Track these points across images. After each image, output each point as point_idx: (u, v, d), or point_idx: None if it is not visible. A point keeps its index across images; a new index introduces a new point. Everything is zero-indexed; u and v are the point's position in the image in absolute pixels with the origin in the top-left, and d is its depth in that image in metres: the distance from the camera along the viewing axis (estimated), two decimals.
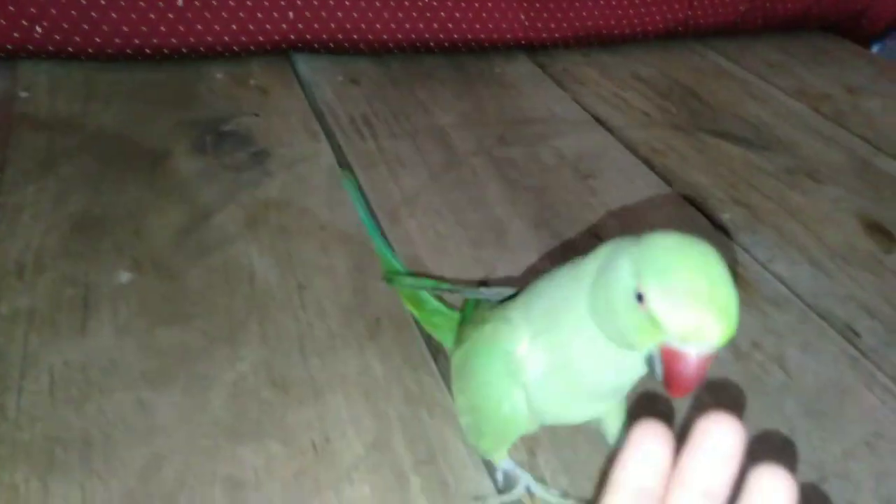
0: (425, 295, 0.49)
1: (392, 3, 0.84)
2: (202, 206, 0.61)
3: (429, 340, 0.50)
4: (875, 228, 0.66)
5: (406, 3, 0.85)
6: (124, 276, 0.53)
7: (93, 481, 0.39)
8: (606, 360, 0.32)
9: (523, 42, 0.92)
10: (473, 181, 0.68)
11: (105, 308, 0.50)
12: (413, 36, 0.87)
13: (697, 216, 0.66)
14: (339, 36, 0.84)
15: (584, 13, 0.93)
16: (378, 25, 0.85)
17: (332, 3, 0.82)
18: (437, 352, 0.50)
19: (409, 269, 0.54)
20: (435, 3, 0.86)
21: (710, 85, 0.91)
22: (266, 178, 0.65)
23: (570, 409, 0.37)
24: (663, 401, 0.46)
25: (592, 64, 0.94)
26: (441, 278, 0.55)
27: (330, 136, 0.73)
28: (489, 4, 0.88)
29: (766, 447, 0.45)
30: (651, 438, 0.25)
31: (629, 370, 0.33)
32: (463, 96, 0.83)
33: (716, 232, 0.65)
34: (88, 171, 0.63)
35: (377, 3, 0.84)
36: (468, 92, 0.84)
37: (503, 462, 0.40)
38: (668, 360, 0.28)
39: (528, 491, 0.40)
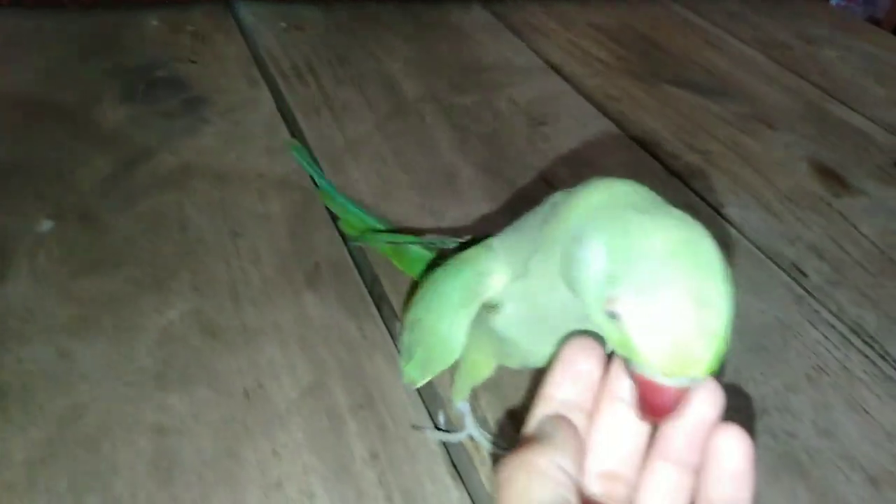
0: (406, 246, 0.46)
1: None
2: (131, 154, 0.57)
3: (372, 286, 0.48)
4: (826, 173, 0.66)
5: None
6: (46, 225, 0.50)
7: (10, 429, 0.37)
8: (580, 316, 0.26)
9: None
10: (422, 128, 0.66)
11: (24, 257, 0.47)
12: None
13: (651, 162, 0.65)
14: None
15: None
16: None
17: None
18: (380, 300, 0.48)
19: (388, 226, 0.50)
20: None
21: (669, 34, 0.90)
22: (201, 125, 0.62)
23: (536, 350, 0.32)
24: None
25: (551, 14, 0.92)
26: (417, 232, 0.52)
27: (270, 82, 0.69)
28: None
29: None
30: (582, 355, 0.24)
31: None
32: (414, 43, 0.80)
33: (670, 178, 0.64)
34: (10, 121, 0.59)
35: None
36: (420, 39, 0.81)
37: (461, 404, 0.39)
38: (640, 386, 0.23)
39: (472, 438, 0.39)
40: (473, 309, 0.30)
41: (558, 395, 0.24)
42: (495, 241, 0.32)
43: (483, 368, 0.36)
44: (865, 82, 0.82)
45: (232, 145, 0.60)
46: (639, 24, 0.91)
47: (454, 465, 0.38)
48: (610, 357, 0.25)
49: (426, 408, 0.41)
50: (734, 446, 0.23)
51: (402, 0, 0.88)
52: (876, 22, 1.32)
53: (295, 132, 0.63)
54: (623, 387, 0.24)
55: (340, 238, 0.52)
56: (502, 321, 0.31)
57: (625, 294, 0.22)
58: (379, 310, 0.47)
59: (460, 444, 0.39)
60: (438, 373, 0.32)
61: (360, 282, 0.49)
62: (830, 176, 0.65)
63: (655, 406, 0.22)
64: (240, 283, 0.47)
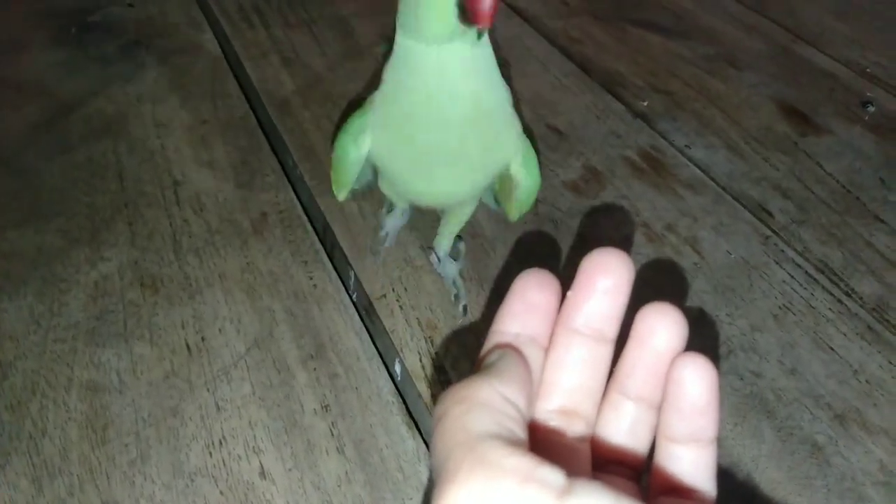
0: None
1: None
2: (63, 101, 0.53)
3: (325, 234, 0.46)
4: (791, 112, 0.64)
5: None
6: None
7: None
8: (441, 119, 0.32)
9: None
10: (375, 72, 0.63)
11: None
12: None
13: (615, 103, 0.63)
14: None
15: None
16: None
17: None
18: (332, 248, 0.46)
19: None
20: None
21: None
22: (140, 70, 0.58)
23: (411, 180, 0.36)
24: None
25: None
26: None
27: (214, 25, 0.65)
28: None
29: None
30: (535, 286, 0.22)
31: (460, 101, 0.32)
32: None
33: (635, 119, 0.62)
34: None
35: None
36: None
37: (388, 220, 0.45)
38: None
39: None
40: (358, 137, 0.35)
41: (511, 328, 0.22)
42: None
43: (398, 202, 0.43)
44: (831, 22, 0.80)
45: (173, 91, 0.56)
46: None
47: (410, 414, 0.36)
48: (565, 292, 0.23)
49: (380, 356, 0.39)
50: (697, 377, 0.21)
51: None
52: None
53: (240, 77, 0.60)
54: (580, 318, 0.22)
55: (289, 185, 0.49)
56: (373, 151, 0.35)
57: None
58: (331, 258, 0.44)
59: (416, 393, 0.38)
60: (346, 188, 0.37)
61: (311, 230, 0.46)
62: (796, 115, 0.64)
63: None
64: (181, 234, 0.44)
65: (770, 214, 0.53)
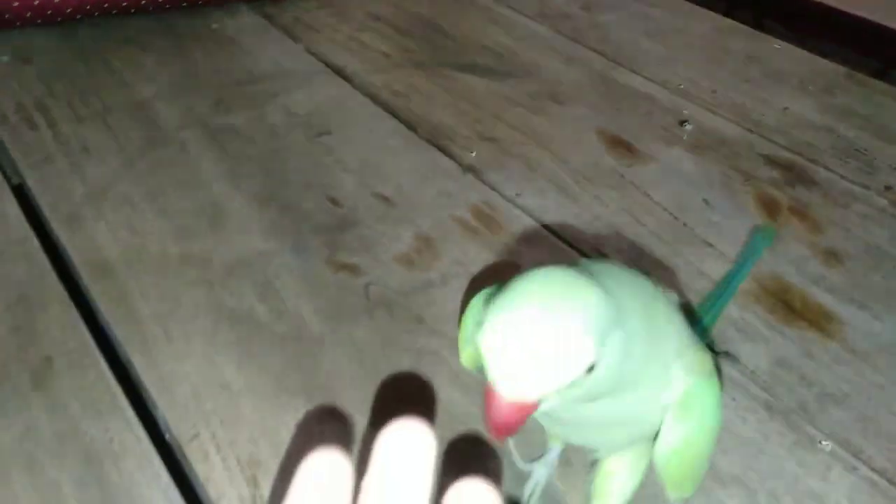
0: None
1: None
2: None
3: (126, 370, 0.40)
4: (616, 143, 0.65)
5: None
6: None
7: None
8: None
9: None
10: (183, 160, 0.58)
11: None
12: None
13: (443, 159, 0.61)
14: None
15: None
16: None
17: None
18: (138, 384, 0.40)
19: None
20: None
21: (452, 16, 0.86)
22: None
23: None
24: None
25: (326, 8, 0.85)
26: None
27: None
28: None
29: None
30: (323, 475, 0.19)
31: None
32: (171, 61, 0.71)
33: (465, 175, 0.60)
34: None
35: None
36: (178, 55, 0.72)
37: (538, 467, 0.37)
38: (486, 399, 0.24)
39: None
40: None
41: None
42: None
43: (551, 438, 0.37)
44: (645, 44, 0.83)
45: None
46: (419, 8, 0.87)
47: None
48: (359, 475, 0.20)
49: None
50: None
51: (157, 11, 0.77)
52: None
53: (21, 185, 0.52)
54: None
55: (80, 317, 0.43)
56: None
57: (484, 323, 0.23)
58: (132, 400, 0.39)
59: None
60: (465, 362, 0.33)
61: (107, 369, 0.40)
62: (620, 145, 0.65)
63: (492, 418, 0.23)
64: None
65: (606, 257, 0.52)
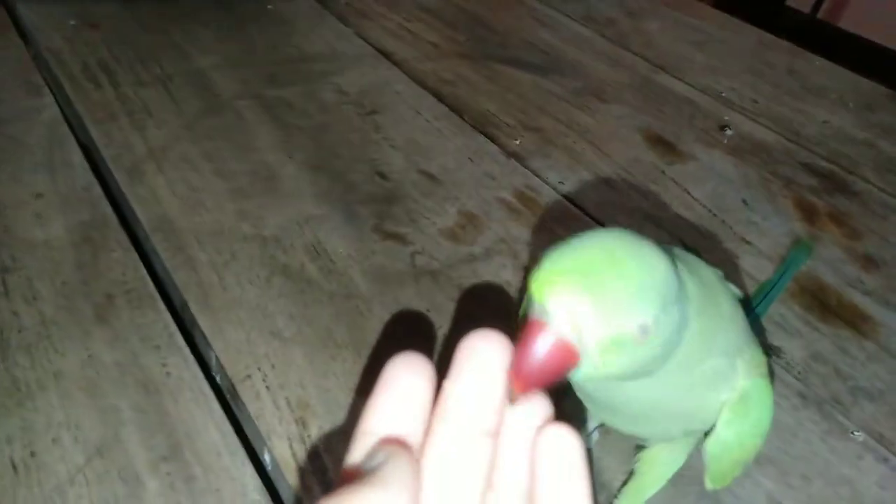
0: None
1: None
2: None
3: (183, 313, 0.42)
4: (657, 141, 0.66)
5: None
6: None
7: None
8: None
9: None
10: (239, 127, 0.60)
11: None
12: None
13: (488, 144, 0.63)
14: None
15: None
16: None
17: None
18: (191, 326, 0.42)
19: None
20: None
21: (498, 13, 0.88)
22: None
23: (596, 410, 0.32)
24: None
25: None
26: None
27: (56, 88, 0.60)
28: None
29: None
30: (406, 374, 0.20)
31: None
32: (228, 37, 0.73)
33: (508, 160, 0.61)
34: None
35: None
36: (235, 32, 0.74)
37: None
38: (522, 338, 0.21)
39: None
40: None
41: (381, 427, 0.19)
42: None
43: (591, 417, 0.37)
44: (686, 51, 0.85)
45: (2, 164, 0.51)
46: (467, 4, 0.89)
47: None
48: (440, 379, 0.21)
49: (245, 449, 0.35)
50: (559, 446, 0.19)
51: None
52: None
53: (84, 141, 0.55)
54: (458, 411, 0.20)
55: (140, 261, 0.45)
56: None
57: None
58: (187, 340, 0.40)
59: (287, 486, 0.34)
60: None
61: (165, 309, 0.42)
62: (662, 144, 0.66)
63: (526, 359, 0.20)
64: (10, 330, 0.39)
65: None
